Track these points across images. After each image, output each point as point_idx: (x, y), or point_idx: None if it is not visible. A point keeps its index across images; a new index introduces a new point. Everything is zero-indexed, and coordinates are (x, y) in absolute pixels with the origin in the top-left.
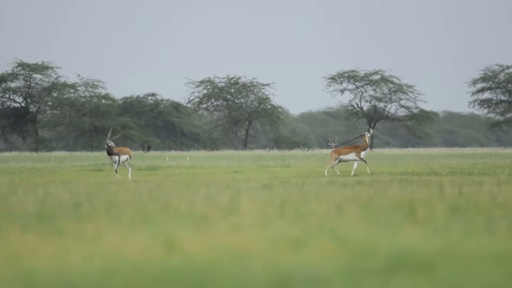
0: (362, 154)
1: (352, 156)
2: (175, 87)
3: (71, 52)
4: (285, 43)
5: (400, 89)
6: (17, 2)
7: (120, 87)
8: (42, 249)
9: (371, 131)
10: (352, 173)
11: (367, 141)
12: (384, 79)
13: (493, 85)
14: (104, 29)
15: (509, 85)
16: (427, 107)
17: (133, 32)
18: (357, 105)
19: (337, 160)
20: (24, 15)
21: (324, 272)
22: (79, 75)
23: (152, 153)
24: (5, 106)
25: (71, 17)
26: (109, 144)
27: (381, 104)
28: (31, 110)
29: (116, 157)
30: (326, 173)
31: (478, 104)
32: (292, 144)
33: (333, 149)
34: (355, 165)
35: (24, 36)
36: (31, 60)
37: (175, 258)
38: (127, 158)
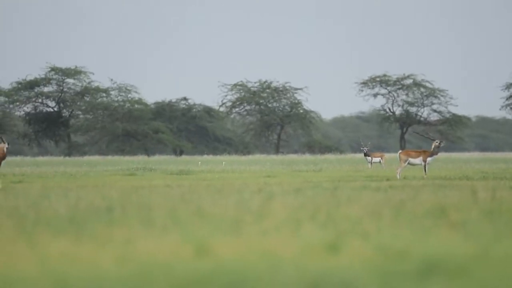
0: (429, 159)
1: (419, 160)
2: (207, 91)
3: (104, 57)
4: (317, 47)
5: (432, 93)
6: (50, 7)
7: (153, 91)
8: (74, 253)
9: (443, 143)
10: (424, 176)
11: (433, 148)
12: (416, 84)
13: None
14: (135, 34)
15: None
16: (459, 111)
17: (165, 37)
18: (390, 109)
19: (407, 162)
20: (57, 19)
21: (357, 276)
22: (111, 80)
23: (184, 157)
24: (38, 110)
25: (102, 22)
26: None
27: (413, 109)
28: (63, 114)
29: None
30: (399, 177)
31: (511, 108)
32: (325, 149)
33: (401, 151)
34: (426, 168)
35: (57, 40)
36: (64, 64)
37: (206, 262)
38: None
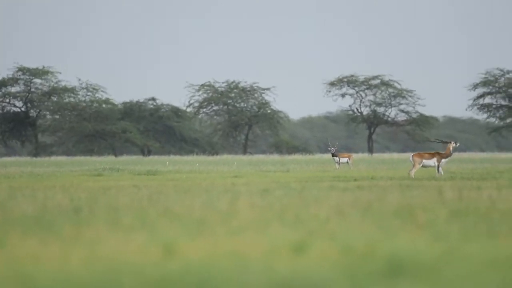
0: (443, 161)
1: (433, 162)
2: (175, 91)
3: (71, 56)
4: (285, 47)
5: (400, 93)
6: (17, 5)
7: (120, 91)
8: (42, 254)
9: (458, 144)
10: (437, 175)
11: (451, 150)
12: (384, 83)
13: (494, 90)
14: (104, 33)
15: (510, 90)
16: (426, 111)
17: (133, 37)
18: (357, 110)
19: (421, 164)
20: (25, 18)
21: (325, 276)
22: (79, 80)
23: (152, 157)
24: (5, 110)
25: (70, 21)
26: None
27: (381, 109)
28: (31, 115)
29: None
30: (413, 176)
31: (478, 108)
32: (292, 149)
33: (414, 153)
34: (440, 170)
35: (24, 40)
36: (31, 64)
37: (174, 262)
38: None
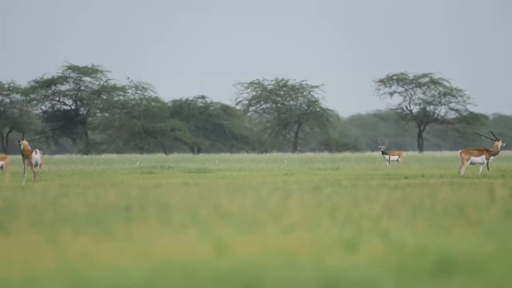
0: (491, 159)
1: (481, 159)
2: (224, 89)
3: (121, 55)
4: (335, 46)
5: (449, 92)
6: (67, 5)
7: (170, 90)
8: (93, 252)
9: (504, 144)
10: (481, 173)
11: (498, 148)
12: (433, 82)
13: None
14: (153, 32)
15: None
16: (476, 109)
17: (183, 35)
18: (407, 108)
19: (469, 161)
20: (75, 18)
21: (375, 274)
22: (128, 78)
23: (202, 155)
24: (55, 108)
25: (118, 20)
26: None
27: (431, 107)
28: (81, 112)
29: None
30: (463, 173)
31: None
32: (342, 147)
33: (462, 150)
34: (481, 168)
35: (74, 39)
36: (81, 63)
37: (224, 260)
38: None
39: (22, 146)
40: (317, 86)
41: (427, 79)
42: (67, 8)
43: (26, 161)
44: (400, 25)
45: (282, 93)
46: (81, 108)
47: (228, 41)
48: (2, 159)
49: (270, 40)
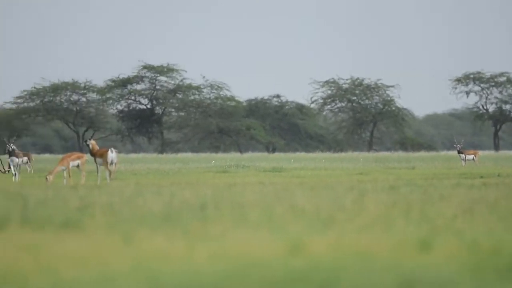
0: None
1: None
2: (299, 88)
3: (195, 54)
4: (410, 45)
5: None
6: (141, 5)
7: (245, 89)
8: (168, 250)
9: None
10: None
11: None
12: (510, 81)
13: None
14: (225, 32)
15: None
16: None
17: (256, 34)
18: (483, 107)
19: None
20: (149, 18)
21: (451, 273)
22: (204, 77)
23: (277, 154)
24: (131, 108)
25: (195, 20)
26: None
27: (507, 106)
28: (156, 112)
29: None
30: None
31: None
32: (417, 146)
33: None
34: None
35: (149, 38)
36: (156, 62)
37: (300, 259)
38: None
39: (90, 146)
40: (392, 86)
41: (503, 78)
42: (140, 8)
43: (98, 160)
44: (475, 24)
45: (357, 92)
46: (157, 107)
47: (304, 39)
48: (79, 158)
49: (346, 38)
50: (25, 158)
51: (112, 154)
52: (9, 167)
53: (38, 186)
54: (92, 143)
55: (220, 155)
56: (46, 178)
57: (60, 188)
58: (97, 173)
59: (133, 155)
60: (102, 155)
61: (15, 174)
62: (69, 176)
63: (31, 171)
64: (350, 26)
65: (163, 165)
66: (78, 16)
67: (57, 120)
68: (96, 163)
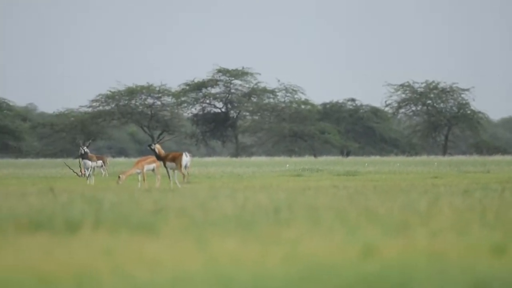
0: None
1: None
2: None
3: (270, 57)
4: (486, 48)
5: None
6: (219, 8)
7: (319, 92)
8: (241, 253)
9: None
10: None
11: None
12: None
13: None
14: (298, 34)
15: None
16: None
17: (329, 35)
18: None
19: None
20: (225, 21)
21: None
22: (278, 81)
23: (351, 158)
24: (205, 111)
25: (268, 23)
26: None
27: None
28: (231, 115)
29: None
30: None
31: None
32: (493, 150)
33: None
34: None
35: (224, 42)
36: (230, 66)
37: (373, 263)
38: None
39: (156, 150)
40: (467, 89)
41: None
42: (215, 11)
43: (169, 164)
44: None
45: (432, 95)
46: (231, 111)
47: (376, 42)
48: (154, 161)
49: (418, 42)
50: (100, 162)
51: (186, 158)
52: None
53: (113, 190)
54: (157, 147)
55: (294, 158)
56: (119, 177)
57: (134, 192)
58: (169, 177)
59: (208, 159)
60: (175, 159)
61: (88, 177)
62: (144, 180)
63: (106, 174)
64: (429, 30)
65: (237, 168)
66: (154, 20)
67: (132, 124)
68: (166, 167)
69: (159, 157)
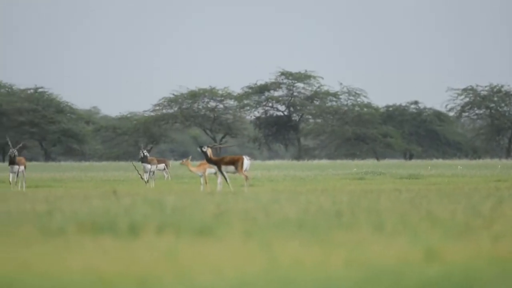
0: None
1: None
2: (435, 94)
3: (332, 61)
4: None
5: None
6: (283, 11)
7: (381, 95)
8: (303, 257)
9: None
10: None
11: None
12: None
13: None
14: (364, 35)
15: None
16: None
17: (396, 36)
18: None
19: None
20: (289, 24)
21: None
22: (341, 84)
23: (413, 161)
24: (268, 114)
25: (331, 27)
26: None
27: None
28: (293, 118)
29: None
30: None
31: None
32: None
33: None
34: None
35: (286, 45)
36: (292, 69)
37: (435, 267)
38: None
39: (208, 153)
40: None
41: None
42: (282, 12)
43: (229, 168)
44: None
45: (496, 99)
46: (294, 114)
47: (440, 45)
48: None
49: (482, 45)
50: (162, 165)
51: (247, 162)
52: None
53: (176, 193)
54: (209, 151)
55: (356, 162)
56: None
57: (197, 195)
58: (226, 180)
59: (270, 162)
60: (235, 162)
61: (148, 180)
62: (206, 183)
63: (168, 177)
64: (493, 32)
65: (299, 171)
66: (217, 22)
67: (195, 127)
68: (222, 171)
69: (210, 160)
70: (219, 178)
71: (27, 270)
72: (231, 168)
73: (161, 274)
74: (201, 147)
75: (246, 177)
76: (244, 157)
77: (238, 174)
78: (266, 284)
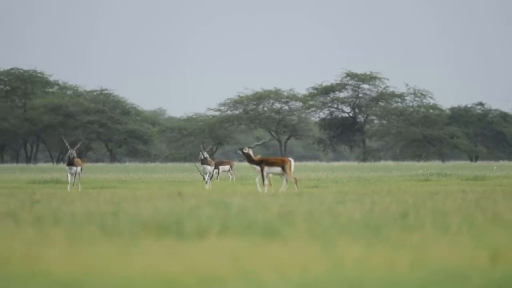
0: None
1: None
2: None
3: (397, 62)
4: None
5: None
6: (347, 14)
7: (447, 96)
8: (368, 258)
9: None
10: None
11: None
12: None
13: None
14: (424, 34)
15: None
16: None
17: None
18: None
19: None
20: (353, 26)
21: None
22: (407, 85)
23: (479, 163)
24: (333, 116)
25: (397, 28)
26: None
27: None
28: (358, 120)
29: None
30: None
31: None
32: None
33: None
34: None
35: (351, 46)
36: (358, 70)
37: (500, 269)
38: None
39: (251, 154)
40: None
41: None
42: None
43: (275, 169)
44: None
45: None
46: (359, 115)
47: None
48: (278, 165)
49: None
50: (227, 166)
51: (293, 163)
52: (216, 175)
53: (240, 194)
54: (251, 151)
55: (422, 163)
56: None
57: (260, 196)
58: (263, 181)
59: (335, 163)
60: (284, 164)
61: (207, 181)
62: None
63: (233, 178)
64: None
65: (365, 173)
66: (282, 24)
67: (260, 128)
68: (264, 172)
69: (252, 161)
70: (265, 180)
71: (91, 270)
72: (277, 169)
73: (225, 275)
74: (241, 149)
75: (296, 180)
76: (289, 159)
77: (283, 177)
78: (330, 284)
